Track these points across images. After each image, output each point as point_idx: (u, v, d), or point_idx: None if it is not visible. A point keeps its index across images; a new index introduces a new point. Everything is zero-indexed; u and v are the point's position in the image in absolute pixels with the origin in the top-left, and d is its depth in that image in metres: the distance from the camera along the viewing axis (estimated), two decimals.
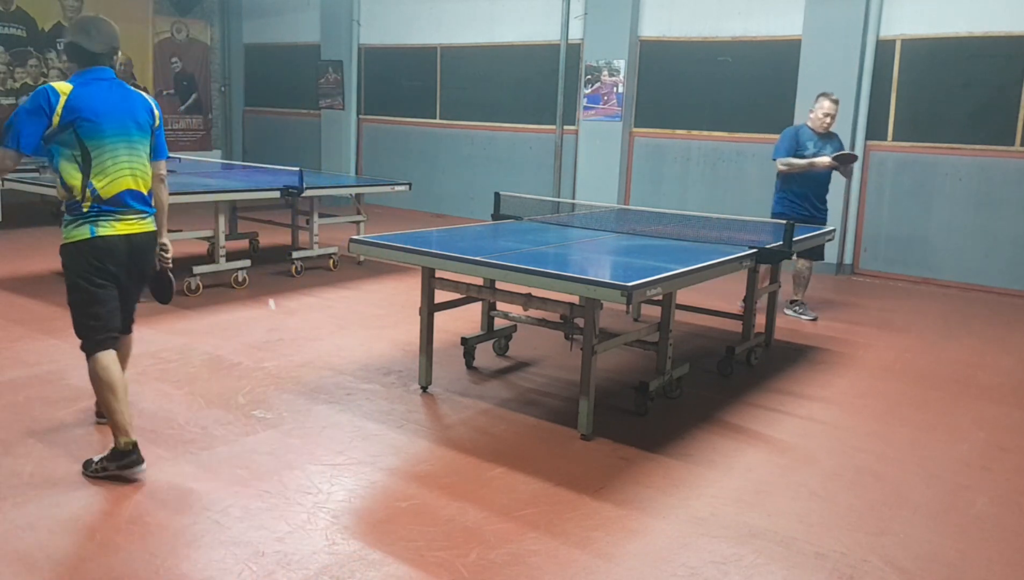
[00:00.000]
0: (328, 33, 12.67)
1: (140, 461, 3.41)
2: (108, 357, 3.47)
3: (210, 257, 7.19)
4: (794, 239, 4.91)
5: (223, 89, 14.32)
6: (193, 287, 6.58)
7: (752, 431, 4.25)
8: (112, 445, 3.41)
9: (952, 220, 8.26)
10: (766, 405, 4.65)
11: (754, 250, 4.76)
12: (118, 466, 3.39)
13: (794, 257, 6.59)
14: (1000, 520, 3.40)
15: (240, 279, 6.95)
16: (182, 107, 13.81)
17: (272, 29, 13.78)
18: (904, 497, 3.57)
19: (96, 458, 3.45)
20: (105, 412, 3.48)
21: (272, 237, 8.97)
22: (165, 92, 13.50)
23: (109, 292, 3.51)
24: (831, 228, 6.21)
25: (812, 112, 6.49)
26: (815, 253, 6.50)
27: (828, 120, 6.44)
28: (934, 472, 3.85)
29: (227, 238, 7.05)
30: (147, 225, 3.61)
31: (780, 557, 3.03)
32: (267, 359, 5.06)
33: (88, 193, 3.40)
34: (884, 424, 4.45)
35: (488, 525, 3.15)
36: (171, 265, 3.85)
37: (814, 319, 6.58)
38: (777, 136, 9.19)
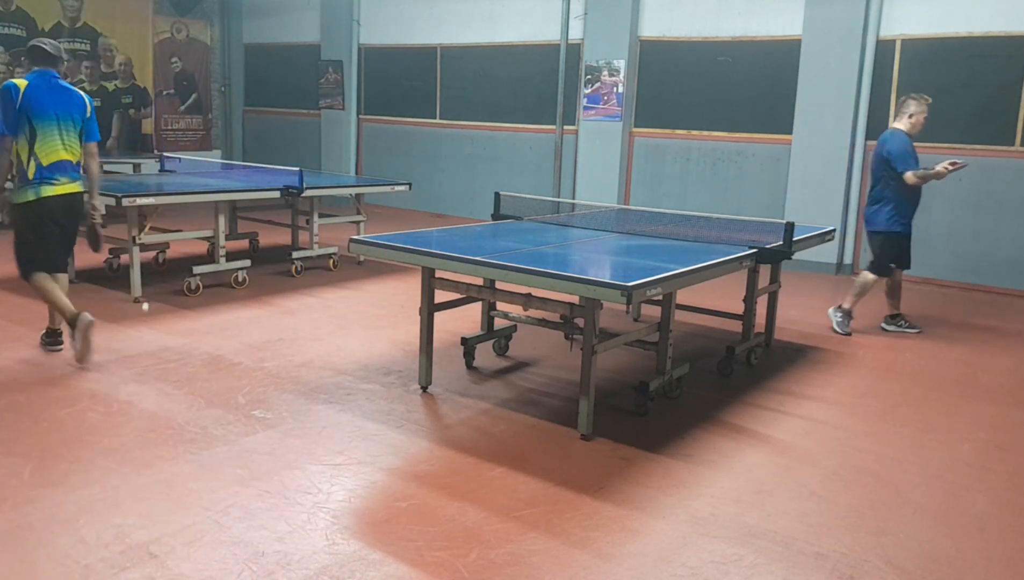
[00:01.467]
0: (328, 33, 12.67)
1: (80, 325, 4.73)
2: (40, 276, 4.80)
3: (210, 257, 7.19)
4: (794, 239, 4.91)
5: (223, 89, 14.31)
6: (193, 287, 6.57)
7: (752, 431, 4.25)
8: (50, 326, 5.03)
9: (952, 220, 8.26)
10: (766, 405, 4.65)
11: (754, 250, 4.76)
12: (77, 331, 4.71)
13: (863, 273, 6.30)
14: (1000, 520, 3.41)
15: (240, 279, 6.95)
16: (182, 107, 13.80)
17: (272, 29, 13.78)
18: (904, 497, 3.57)
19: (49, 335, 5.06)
20: (52, 307, 4.89)
21: (272, 237, 8.97)
22: (165, 92, 13.50)
23: (50, 240, 4.81)
24: (831, 228, 6.20)
25: (910, 116, 6.09)
26: (902, 263, 6.29)
27: (926, 124, 6.16)
28: (934, 472, 3.85)
29: (227, 238, 7.05)
30: (75, 187, 4.88)
31: (780, 557, 3.03)
32: (267, 359, 5.06)
33: (32, 161, 4.66)
34: (884, 424, 4.45)
35: (488, 525, 3.16)
36: (100, 221, 5.03)
37: (848, 334, 6.24)
38: (777, 136, 9.17)
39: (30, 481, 3.36)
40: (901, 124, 6.17)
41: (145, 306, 5.42)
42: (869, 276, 6.28)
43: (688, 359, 5.00)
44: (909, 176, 5.98)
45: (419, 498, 3.35)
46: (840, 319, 6.32)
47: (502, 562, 2.91)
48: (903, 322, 6.44)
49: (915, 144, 6.12)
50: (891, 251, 6.21)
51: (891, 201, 6.14)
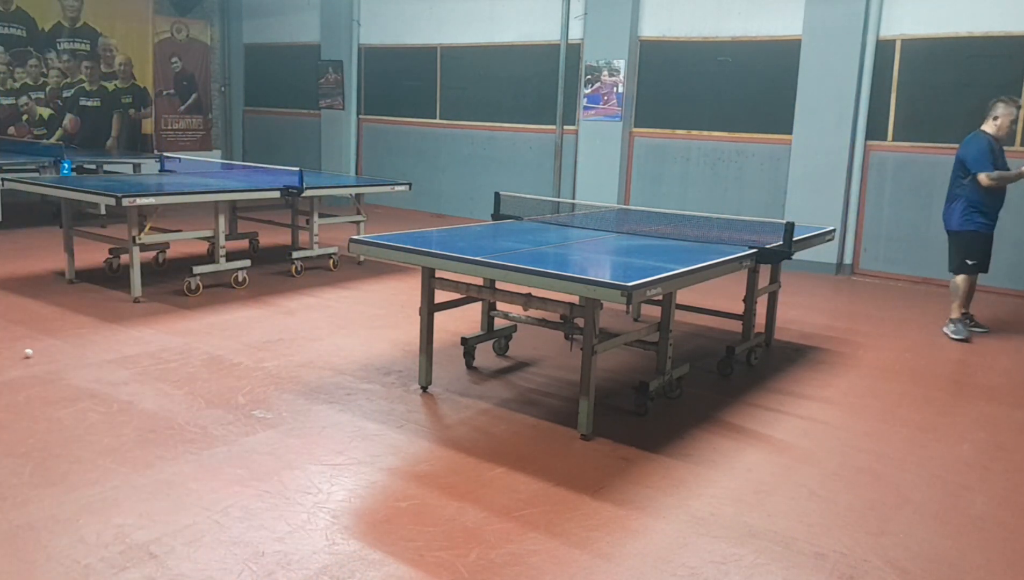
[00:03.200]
0: (328, 33, 12.67)
1: None
2: None
3: (210, 257, 7.19)
4: (794, 239, 4.91)
5: (223, 89, 14.32)
6: (193, 287, 6.57)
7: (752, 431, 4.25)
8: None
9: None
10: (766, 405, 4.65)
11: (754, 250, 4.76)
12: None
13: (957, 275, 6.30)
14: (1000, 520, 3.41)
15: (240, 279, 6.95)
16: (182, 107, 13.81)
17: (272, 29, 13.78)
18: (904, 497, 3.57)
19: None
20: None
21: (272, 237, 8.97)
22: (165, 92, 13.50)
23: None
24: (831, 228, 6.20)
25: (997, 119, 6.14)
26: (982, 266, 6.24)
27: (1014, 128, 6.15)
28: (934, 472, 3.85)
29: (227, 238, 7.05)
30: None
31: (780, 557, 3.03)
32: (267, 359, 5.06)
33: None
34: (884, 424, 4.45)
35: (488, 525, 3.16)
36: None
37: (965, 339, 6.22)
38: (777, 136, 9.16)
39: (30, 481, 3.36)
40: (987, 127, 6.22)
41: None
42: (955, 278, 6.30)
43: (688, 359, 5.00)
44: (983, 177, 6.06)
45: (419, 498, 3.35)
46: (954, 328, 6.29)
47: (502, 562, 2.91)
48: (971, 322, 6.47)
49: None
50: (964, 249, 6.25)
51: (962, 200, 6.21)
